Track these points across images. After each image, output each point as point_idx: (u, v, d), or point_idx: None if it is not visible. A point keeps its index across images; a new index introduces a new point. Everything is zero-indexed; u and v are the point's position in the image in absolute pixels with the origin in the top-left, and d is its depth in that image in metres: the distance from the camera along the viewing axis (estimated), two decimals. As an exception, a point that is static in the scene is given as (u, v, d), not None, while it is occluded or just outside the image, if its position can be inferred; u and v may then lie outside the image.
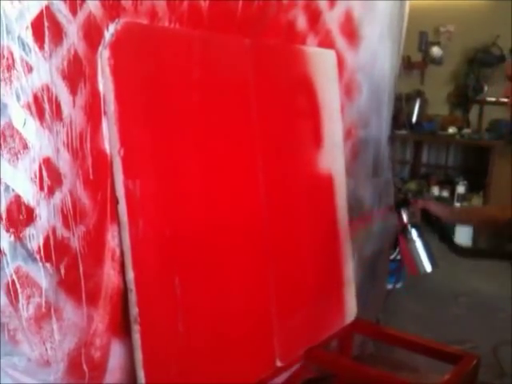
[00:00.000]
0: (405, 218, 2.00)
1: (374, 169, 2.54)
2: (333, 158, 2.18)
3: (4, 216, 1.19)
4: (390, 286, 2.90)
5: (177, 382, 1.52)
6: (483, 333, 3.11)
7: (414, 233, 1.97)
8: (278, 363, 1.87)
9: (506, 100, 5.05)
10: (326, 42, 2.15)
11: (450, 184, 5.46)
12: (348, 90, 2.28)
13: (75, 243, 1.35)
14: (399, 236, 1.98)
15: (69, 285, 1.34)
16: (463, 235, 4.97)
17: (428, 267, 1.96)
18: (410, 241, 1.96)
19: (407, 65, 5.24)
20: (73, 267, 1.35)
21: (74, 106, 1.31)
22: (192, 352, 1.57)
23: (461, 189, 5.19)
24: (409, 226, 1.98)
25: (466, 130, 5.39)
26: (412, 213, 1.99)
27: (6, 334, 1.22)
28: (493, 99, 5.31)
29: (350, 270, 2.27)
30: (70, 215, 1.33)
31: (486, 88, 5.34)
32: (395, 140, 3.31)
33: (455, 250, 1.94)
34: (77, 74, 1.32)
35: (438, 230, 1.94)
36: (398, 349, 2.37)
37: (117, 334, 1.48)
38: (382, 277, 2.80)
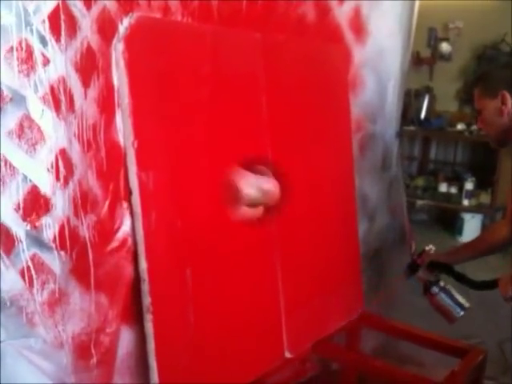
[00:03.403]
0: (421, 278, 2.11)
1: (382, 164, 2.55)
2: (344, 154, 2.20)
3: (21, 206, 1.22)
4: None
5: (187, 369, 1.54)
6: (488, 328, 3.11)
7: (434, 288, 2.08)
8: (287, 354, 1.89)
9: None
10: (335, 37, 2.16)
11: (458, 180, 5.44)
12: (353, 85, 2.29)
13: (87, 232, 1.37)
14: (426, 295, 2.10)
15: (80, 272, 1.37)
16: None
17: (460, 312, 2.08)
18: (435, 295, 2.07)
19: (416, 60, 5.22)
20: (84, 255, 1.38)
21: (85, 97, 1.34)
22: (202, 341, 1.59)
23: (469, 185, 5.18)
24: (428, 284, 2.09)
25: (475, 127, 5.37)
26: (424, 271, 2.10)
27: (24, 316, 1.25)
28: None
29: (358, 264, 2.29)
30: (81, 205, 1.35)
31: (495, 85, 5.32)
32: (403, 136, 3.32)
33: (473, 285, 2.02)
34: (90, 66, 1.34)
35: (451, 274, 2.04)
36: (405, 343, 2.38)
37: (127, 321, 1.50)
38: (387, 272, 2.81)
